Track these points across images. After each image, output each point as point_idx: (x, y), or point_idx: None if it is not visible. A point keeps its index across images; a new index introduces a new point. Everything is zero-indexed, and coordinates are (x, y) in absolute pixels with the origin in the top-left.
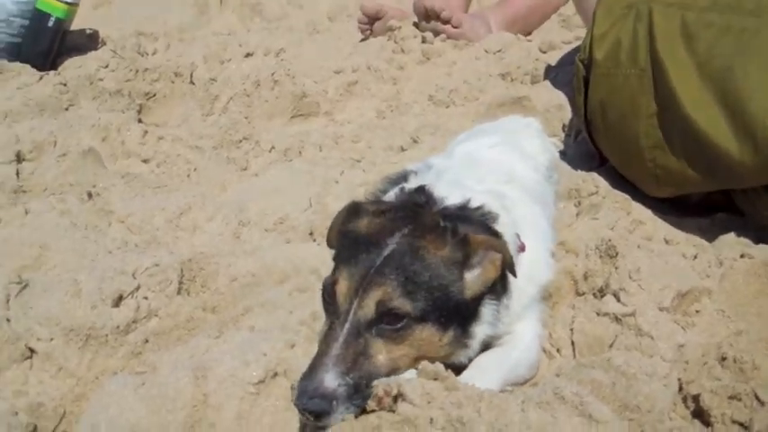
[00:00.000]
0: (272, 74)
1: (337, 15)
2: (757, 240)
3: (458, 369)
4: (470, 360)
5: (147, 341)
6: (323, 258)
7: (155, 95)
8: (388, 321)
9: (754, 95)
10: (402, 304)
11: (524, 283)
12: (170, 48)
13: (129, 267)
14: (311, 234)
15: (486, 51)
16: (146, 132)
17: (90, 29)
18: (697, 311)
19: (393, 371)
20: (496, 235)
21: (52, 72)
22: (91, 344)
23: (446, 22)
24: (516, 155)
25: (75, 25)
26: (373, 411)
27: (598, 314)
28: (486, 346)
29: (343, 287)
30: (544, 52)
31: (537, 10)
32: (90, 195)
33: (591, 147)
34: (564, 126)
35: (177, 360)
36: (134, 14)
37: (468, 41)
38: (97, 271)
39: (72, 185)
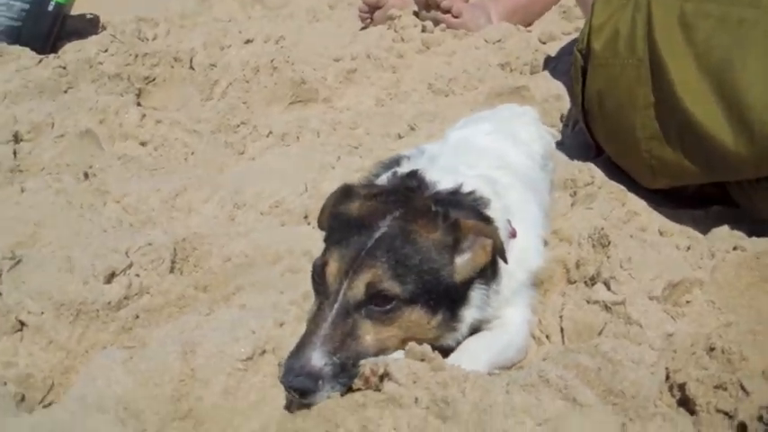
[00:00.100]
0: (272, 60)
1: (338, 3)
2: (750, 233)
3: (446, 352)
4: (458, 343)
5: (137, 317)
6: (316, 241)
7: (154, 80)
8: (377, 303)
9: (752, 87)
10: (392, 286)
11: (514, 269)
12: (170, 33)
13: (122, 245)
14: (306, 218)
15: (486, 41)
16: (144, 116)
17: (90, 14)
18: (687, 302)
19: (381, 351)
20: (487, 220)
21: (52, 55)
22: (81, 318)
23: (446, 11)
24: (510, 142)
25: (76, 10)
26: (359, 390)
27: (588, 302)
28: (475, 330)
29: (333, 268)
30: (544, 43)
31: (537, 1)
32: (86, 175)
33: (587, 137)
34: (562, 116)
35: (167, 336)
36: (136, 0)
37: (467, 31)
38: (90, 248)
39: (68, 166)
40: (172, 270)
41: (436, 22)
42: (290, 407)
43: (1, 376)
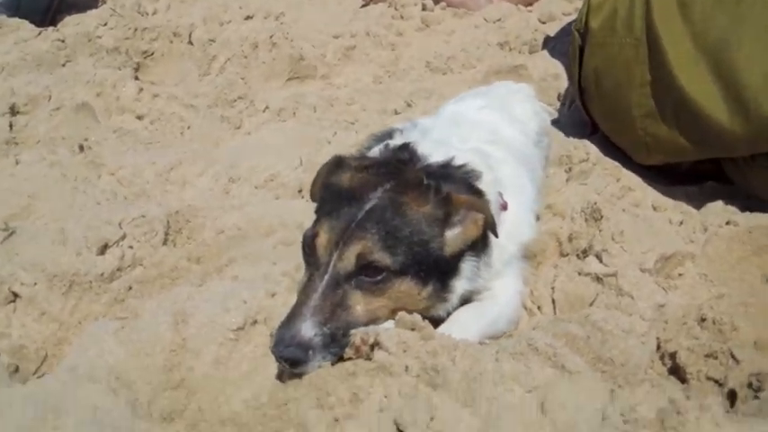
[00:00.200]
0: (271, 36)
1: None
2: (744, 208)
3: (437, 323)
4: (449, 314)
5: (130, 288)
6: (310, 214)
7: (152, 54)
8: (367, 274)
9: (748, 67)
10: (382, 257)
11: (505, 241)
12: (170, 8)
13: (115, 217)
14: (300, 191)
15: (486, 20)
16: (141, 90)
17: None
18: (680, 275)
19: (371, 322)
20: (479, 193)
21: (51, 28)
22: (74, 290)
23: None
24: (504, 117)
25: None
26: (350, 359)
27: (580, 274)
28: (466, 301)
29: (323, 239)
30: (543, 23)
31: None
32: (81, 148)
33: (584, 114)
34: (559, 95)
35: (159, 306)
36: None
37: (468, 10)
38: (84, 220)
39: (64, 139)
40: (165, 242)
41: (436, 1)
42: (281, 376)
43: None
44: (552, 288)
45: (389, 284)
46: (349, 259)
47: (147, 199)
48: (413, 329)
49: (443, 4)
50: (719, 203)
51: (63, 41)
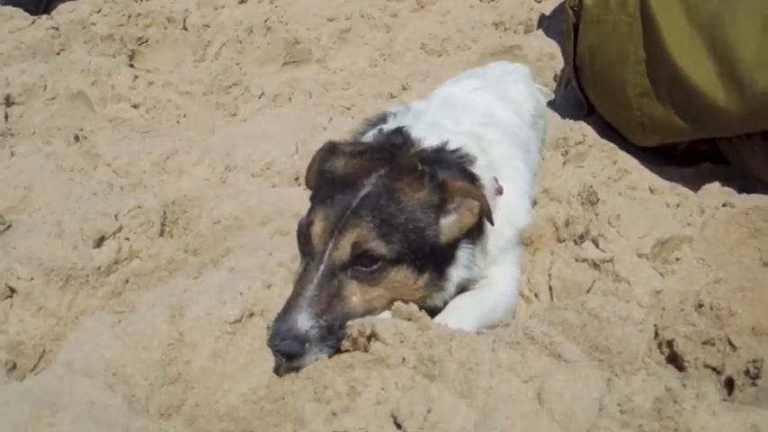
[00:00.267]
0: (266, 20)
1: None
2: (740, 190)
3: (434, 312)
4: (446, 303)
5: (127, 281)
6: (306, 202)
7: (147, 41)
8: (363, 263)
9: (742, 42)
10: (377, 246)
11: (501, 227)
12: None
13: (111, 209)
14: (297, 179)
15: (481, 0)
16: (136, 77)
17: None
18: (677, 259)
19: (367, 312)
20: (474, 178)
21: (45, 16)
22: (71, 284)
23: None
24: (498, 98)
25: None
26: (347, 351)
27: (576, 260)
28: (463, 289)
29: (318, 228)
30: (539, 2)
31: None
32: (77, 138)
33: (579, 95)
34: (555, 75)
35: (155, 299)
36: None
37: None
38: (80, 212)
39: (59, 129)
40: (161, 233)
41: None
42: (278, 370)
43: None
44: (549, 275)
45: (385, 274)
46: (344, 248)
47: (144, 189)
48: (409, 320)
49: None
50: (716, 185)
51: (57, 29)
